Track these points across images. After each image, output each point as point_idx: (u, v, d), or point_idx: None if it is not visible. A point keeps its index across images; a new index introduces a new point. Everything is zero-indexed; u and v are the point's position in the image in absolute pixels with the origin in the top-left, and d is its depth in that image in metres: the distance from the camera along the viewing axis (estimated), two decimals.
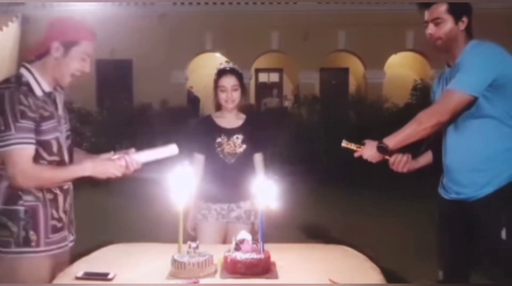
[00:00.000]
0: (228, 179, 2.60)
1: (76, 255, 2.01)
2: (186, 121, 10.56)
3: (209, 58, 14.80)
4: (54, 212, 1.86)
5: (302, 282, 1.73)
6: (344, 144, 2.21)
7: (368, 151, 2.12)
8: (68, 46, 1.85)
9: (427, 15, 2.07)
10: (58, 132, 1.89)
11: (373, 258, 1.99)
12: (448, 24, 2.03)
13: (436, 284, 2.27)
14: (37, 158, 1.81)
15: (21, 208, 1.78)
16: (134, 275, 1.77)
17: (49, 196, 1.84)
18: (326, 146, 8.39)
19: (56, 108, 1.91)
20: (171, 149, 1.99)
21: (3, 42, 14.24)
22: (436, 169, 2.22)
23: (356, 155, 2.18)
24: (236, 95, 2.66)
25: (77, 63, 1.88)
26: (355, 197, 7.16)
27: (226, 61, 2.83)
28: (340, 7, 14.54)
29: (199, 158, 2.68)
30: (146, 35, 14.03)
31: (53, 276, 1.80)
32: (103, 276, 1.74)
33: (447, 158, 2.10)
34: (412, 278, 3.68)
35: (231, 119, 2.71)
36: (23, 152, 1.75)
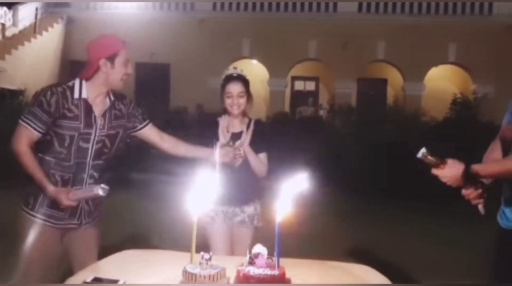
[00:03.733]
0: (232, 182, 2.52)
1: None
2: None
3: (246, 65, 14.84)
4: None
5: None
6: (421, 154, 1.86)
7: (451, 172, 1.86)
8: (112, 59, 2.25)
9: None
10: (76, 132, 2.20)
11: (397, 280, 1.88)
12: None
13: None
14: (49, 146, 2.20)
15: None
16: (143, 282, 1.72)
17: (53, 179, 2.19)
18: (358, 157, 8.23)
19: (88, 114, 2.23)
20: (96, 189, 2.12)
21: (48, 42, 14.74)
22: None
23: (434, 172, 1.89)
24: (242, 101, 2.73)
25: (122, 69, 2.28)
26: (386, 211, 6.96)
27: (234, 68, 2.89)
28: (381, 17, 14.35)
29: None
30: (185, 40, 14.23)
31: (44, 241, 2.20)
32: (113, 283, 1.70)
33: None
34: None
35: (236, 123, 2.78)
36: (24, 130, 2.17)
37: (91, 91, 2.25)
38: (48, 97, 2.16)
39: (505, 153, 1.99)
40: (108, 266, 1.91)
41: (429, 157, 1.87)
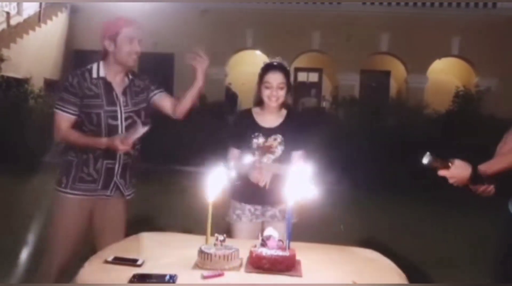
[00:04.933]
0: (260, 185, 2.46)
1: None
2: (224, 117, 10.66)
3: (249, 56, 14.87)
4: (84, 168, 2.40)
5: (325, 281, 1.73)
6: (427, 159, 1.90)
7: (458, 173, 1.91)
8: (113, 38, 2.37)
9: None
10: (100, 109, 2.36)
11: (401, 264, 1.97)
12: None
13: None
14: (80, 125, 2.38)
15: (64, 159, 2.43)
16: (161, 262, 1.81)
17: (83, 156, 2.39)
18: (361, 148, 8.30)
19: (109, 91, 2.39)
20: (143, 129, 2.31)
21: (52, 31, 14.76)
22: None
23: (441, 173, 1.94)
24: (282, 93, 2.55)
25: (127, 47, 2.37)
26: (387, 201, 7.05)
27: (275, 57, 2.68)
28: (385, 9, 14.33)
29: (235, 152, 2.60)
30: (188, 30, 14.23)
31: (78, 214, 2.40)
32: (132, 262, 1.79)
33: None
34: None
35: (271, 117, 2.61)
36: (60, 116, 2.37)
37: (108, 71, 2.40)
38: (70, 80, 2.35)
39: None
40: (127, 247, 1.99)
41: (436, 162, 1.91)
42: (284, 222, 2.49)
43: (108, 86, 2.40)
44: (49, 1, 14.52)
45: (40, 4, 14.34)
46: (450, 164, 1.92)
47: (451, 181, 1.95)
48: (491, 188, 2.02)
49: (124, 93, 2.44)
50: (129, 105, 2.44)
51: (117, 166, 2.43)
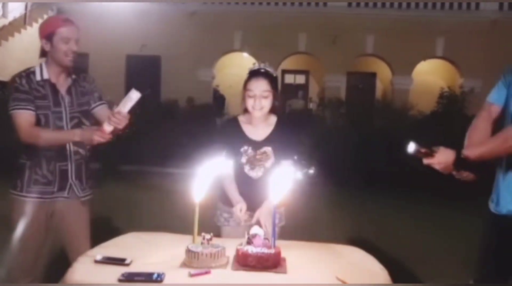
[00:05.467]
0: (253, 194, 2.39)
1: (97, 240, 2.16)
2: (211, 119, 10.69)
3: (237, 58, 14.92)
4: (38, 170, 2.38)
5: (309, 278, 1.78)
6: (412, 148, 1.93)
7: (443, 159, 1.95)
8: (49, 38, 2.36)
9: None
10: (48, 110, 2.36)
11: (384, 260, 2.02)
12: None
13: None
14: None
15: (18, 162, 2.41)
16: (149, 261, 1.85)
17: (35, 159, 2.37)
18: (348, 149, 8.39)
19: (55, 92, 2.38)
20: (135, 94, 2.15)
21: (38, 34, 14.65)
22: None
23: (426, 161, 1.97)
24: (266, 103, 2.38)
25: (63, 46, 2.35)
26: (373, 200, 7.14)
27: (262, 62, 2.50)
28: (370, 11, 14.48)
29: (225, 161, 2.47)
30: (175, 32, 14.24)
31: (36, 218, 2.36)
32: (120, 261, 1.82)
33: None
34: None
35: (259, 126, 2.47)
36: (19, 115, 2.31)
37: (51, 72, 2.39)
38: (18, 81, 2.34)
39: (493, 133, 2.08)
40: (114, 247, 2.02)
41: (421, 150, 1.94)
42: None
43: (53, 87, 2.39)
44: (36, 1, 14.41)
45: (26, 6, 14.25)
46: (434, 152, 1.96)
47: (437, 167, 1.98)
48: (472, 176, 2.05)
49: (69, 93, 2.44)
50: (75, 106, 2.43)
51: (70, 167, 2.43)
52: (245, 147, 2.44)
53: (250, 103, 2.39)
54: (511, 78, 2.08)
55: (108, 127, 2.22)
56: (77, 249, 2.29)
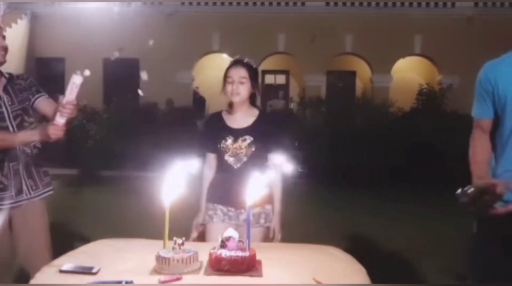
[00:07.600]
0: (234, 184, 2.36)
1: (68, 248, 2.05)
2: (191, 122, 10.60)
3: (216, 59, 14.82)
4: None
5: (286, 280, 1.72)
6: (469, 196, 1.68)
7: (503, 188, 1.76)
8: None
9: None
10: None
11: (363, 260, 1.97)
12: None
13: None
14: None
15: None
16: (118, 269, 1.76)
17: None
18: (329, 148, 8.40)
19: None
20: (77, 78, 2.04)
21: (12, 39, 14.35)
22: None
23: (502, 210, 1.78)
24: (243, 89, 2.44)
25: None
26: (354, 198, 7.14)
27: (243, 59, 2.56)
28: (348, 10, 14.53)
29: (210, 156, 2.56)
30: (153, 35, 14.07)
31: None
32: (87, 270, 1.74)
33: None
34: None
35: (240, 117, 2.52)
36: None
37: None
38: None
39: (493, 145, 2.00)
40: (82, 255, 1.93)
41: (477, 194, 1.68)
42: (258, 226, 2.48)
43: None
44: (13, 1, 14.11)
45: None
46: (494, 186, 1.72)
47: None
48: None
49: (6, 91, 2.36)
50: (16, 104, 2.36)
51: (21, 166, 2.35)
52: (226, 135, 2.49)
53: (229, 89, 2.46)
54: (488, 84, 1.97)
55: (61, 120, 2.12)
56: (37, 253, 2.26)
